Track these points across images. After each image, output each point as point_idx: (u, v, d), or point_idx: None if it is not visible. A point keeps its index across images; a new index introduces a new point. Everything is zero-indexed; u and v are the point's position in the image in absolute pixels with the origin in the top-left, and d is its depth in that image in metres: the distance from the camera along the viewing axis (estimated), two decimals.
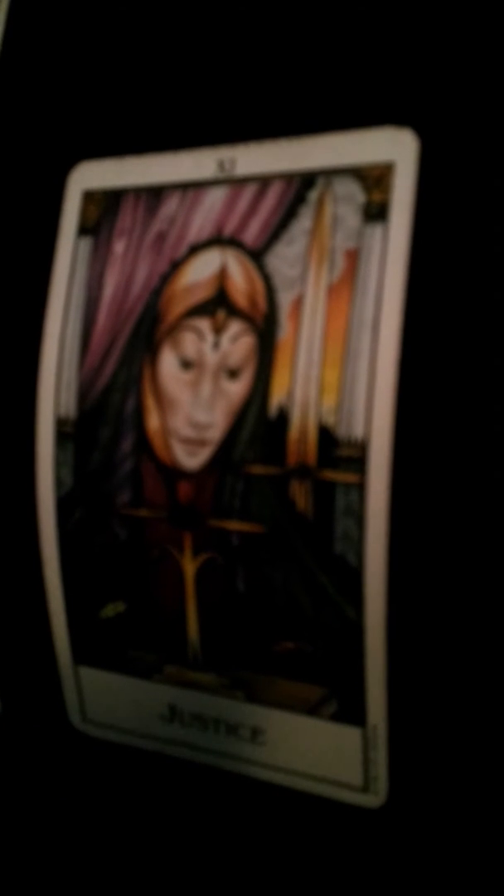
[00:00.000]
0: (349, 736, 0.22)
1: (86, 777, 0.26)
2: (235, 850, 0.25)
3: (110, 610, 0.24)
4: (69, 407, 0.23)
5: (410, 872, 0.22)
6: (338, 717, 0.22)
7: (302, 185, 0.21)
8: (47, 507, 0.24)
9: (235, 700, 0.23)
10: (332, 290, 0.20)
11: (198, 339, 0.22)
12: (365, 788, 0.22)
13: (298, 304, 0.20)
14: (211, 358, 0.22)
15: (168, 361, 0.22)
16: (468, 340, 0.19)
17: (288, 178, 0.21)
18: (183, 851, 0.25)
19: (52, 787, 0.27)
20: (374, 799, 0.22)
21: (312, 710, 0.22)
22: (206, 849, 0.25)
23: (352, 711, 0.21)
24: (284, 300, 0.21)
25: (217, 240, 0.22)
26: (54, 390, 0.24)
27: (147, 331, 0.22)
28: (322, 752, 0.22)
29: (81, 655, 0.25)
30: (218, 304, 0.21)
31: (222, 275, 0.22)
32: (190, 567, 0.22)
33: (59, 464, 0.24)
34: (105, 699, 0.25)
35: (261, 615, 0.22)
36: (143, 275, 0.23)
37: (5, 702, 0.27)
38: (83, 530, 0.24)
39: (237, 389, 0.21)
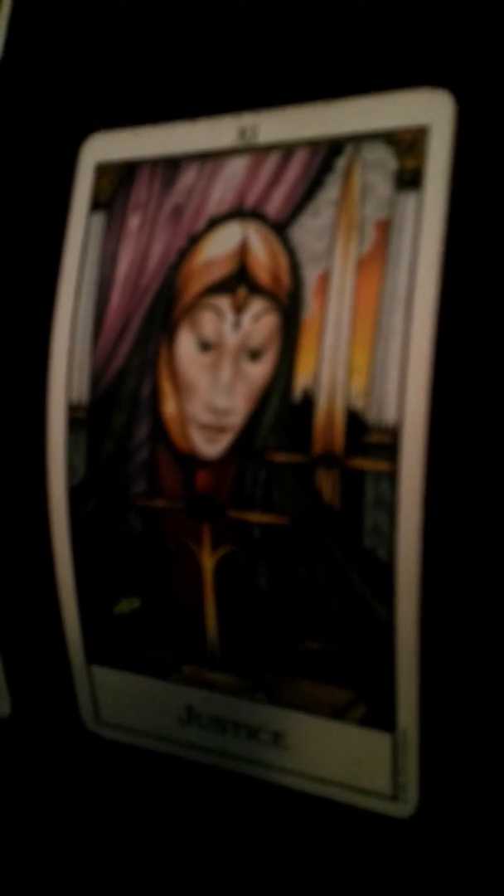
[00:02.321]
0: (378, 741, 0.20)
1: (98, 781, 0.25)
2: (254, 858, 0.24)
3: (125, 606, 0.23)
4: (81, 392, 0.22)
5: (441, 886, 0.21)
6: (366, 722, 0.20)
7: (329, 153, 0.19)
8: (59, 497, 0.23)
9: (256, 702, 0.22)
10: (361, 264, 0.19)
11: (217, 319, 0.20)
12: (394, 797, 0.21)
13: (325, 279, 0.19)
14: (231, 339, 0.20)
15: (186, 343, 0.21)
16: None
17: (314, 145, 0.20)
18: (199, 859, 0.24)
19: (63, 790, 0.26)
20: (404, 808, 0.21)
21: (339, 714, 0.21)
22: (224, 856, 0.24)
23: (381, 716, 0.20)
24: (310, 276, 0.19)
25: (238, 212, 0.20)
26: (66, 374, 0.22)
27: (163, 310, 0.21)
28: (348, 758, 0.21)
29: (94, 654, 0.24)
30: (239, 280, 0.20)
31: (243, 249, 0.20)
32: (209, 561, 0.21)
33: (71, 451, 0.22)
34: (119, 700, 0.24)
35: (284, 613, 0.20)
36: (159, 251, 0.21)
37: (15, 702, 0.26)
38: (96, 521, 0.22)
39: (259, 372, 0.20)
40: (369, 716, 0.20)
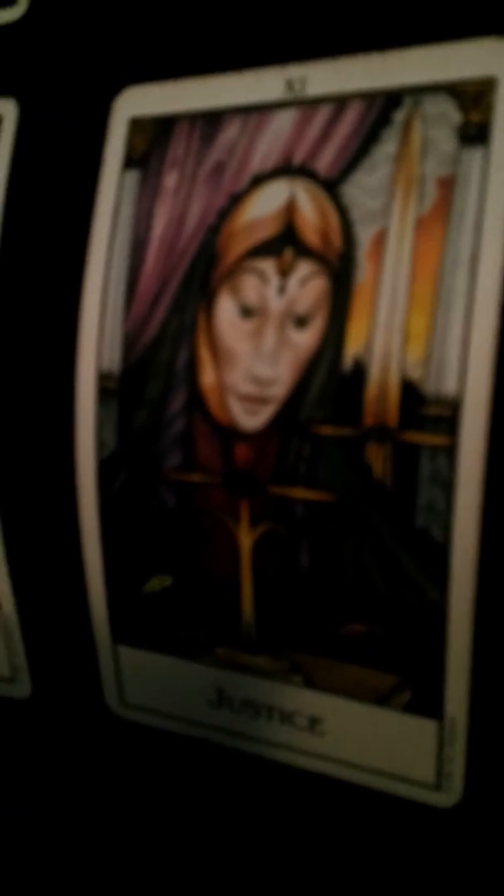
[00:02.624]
0: (423, 729, 0.20)
1: (124, 765, 0.25)
2: (289, 847, 0.23)
3: (156, 584, 0.22)
4: (113, 361, 0.21)
5: (484, 878, 0.21)
6: (411, 708, 0.19)
7: (386, 105, 0.18)
8: (87, 470, 0.22)
9: (293, 685, 0.21)
10: (421, 224, 0.18)
11: (261, 283, 0.19)
12: (437, 786, 0.20)
13: (380, 240, 0.18)
14: (276, 304, 0.19)
15: (226, 308, 0.20)
16: None
17: (369, 97, 0.18)
18: (228, 846, 0.24)
19: (87, 775, 0.25)
20: (447, 798, 0.20)
21: (382, 700, 0.20)
22: (254, 844, 0.23)
23: (428, 703, 0.19)
24: (364, 236, 0.18)
25: (285, 169, 0.19)
26: (96, 342, 0.21)
27: (202, 274, 0.20)
28: (390, 746, 0.20)
29: (121, 634, 0.23)
30: (285, 242, 0.19)
31: (290, 208, 0.19)
32: (246, 539, 0.20)
33: (101, 423, 0.21)
34: (145, 681, 0.23)
35: (326, 593, 0.20)
36: (198, 210, 0.20)
37: (37, 683, 0.25)
38: (127, 496, 0.21)
39: (306, 340, 0.19)
40: (415, 702, 0.19)
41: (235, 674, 0.22)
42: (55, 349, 0.22)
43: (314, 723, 0.21)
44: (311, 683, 0.21)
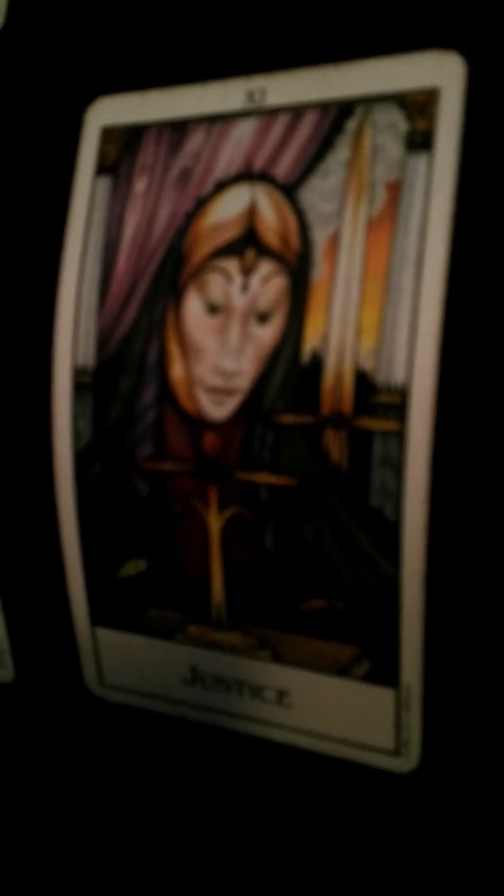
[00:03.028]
0: (381, 697, 0.21)
1: (104, 743, 0.26)
2: (260, 816, 0.24)
3: (130, 568, 0.23)
4: (87, 356, 0.22)
5: (443, 840, 0.22)
6: (370, 678, 0.21)
7: (339, 114, 0.19)
8: (64, 461, 0.23)
9: (261, 661, 0.22)
10: (371, 225, 0.19)
11: (225, 282, 0.20)
12: (396, 752, 0.21)
13: (335, 240, 0.19)
14: (239, 301, 0.20)
15: (193, 306, 0.21)
16: None
17: (323, 107, 0.20)
18: (205, 818, 0.25)
19: (68, 754, 0.26)
20: (406, 763, 0.21)
21: (343, 671, 0.21)
22: (230, 814, 0.24)
23: (385, 672, 0.20)
24: (319, 237, 0.19)
25: (246, 175, 0.20)
26: (72, 338, 0.22)
27: (171, 273, 0.21)
28: (352, 715, 0.21)
29: (99, 616, 0.24)
30: (247, 243, 0.20)
31: (251, 212, 0.20)
32: (215, 522, 0.21)
33: (76, 416, 0.23)
34: (124, 662, 0.24)
35: (290, 572, 0.21)
36: (166, 214, 0.21)
37: (19, 666, 0.26)
38: (102, 485, 0.23)
39: (267, 334, 0.20)
40: (373, 672, 0.21)
41: (207, 651, 0.23)
42: (32, 346, 0.23)
43: (282, 696, 0.22)
44: (278, 658, 0.22)
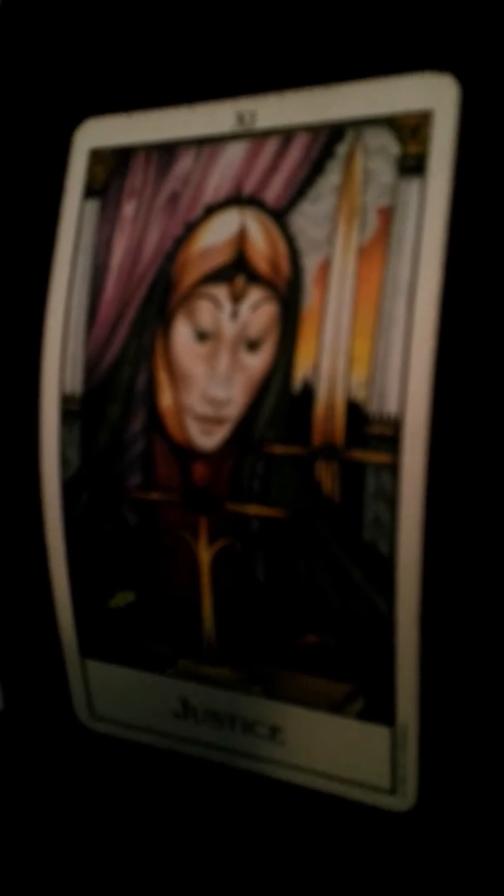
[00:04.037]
0: (377, 735, 0.20)
1: (93, 775, 0.25)
2: (251, 853, 0.23)
3: (120, 600, 0.22)
4: (75, 383, 0.22)
5: (439, 880, 0.21)
6: (365, 716, 0.20)
7: (330, 138, 0.19)
8: (52, 490, 0.22)
9: (253, 696, 0.22)
10: (363, 252, 0.18)
11: (214, 309, 0.20)
12: (392, 790, 0.21)
13: (325, 267, 0.19)
14: (229, 328, 0.20)
15: (182, 333, 0.20)
16: None
17: (314, 130, 0.19)
18: (195, 854, 0.24)
19: (58, 786, 0.26)
20: (403, 802, 0.21)
21: (337, 708, 0.20)
22: (220, 851, 0.24)
23: (380, 710, 0.20)
24: (310, 264, 0.19)
25: (236, 199, 0.20)
26: (59, 365, 0.22)
27: (159, 300, 0.21)
28: (347, 752, 0.21)
29: (89, 648, 0.23)
30: (236, 269, 0.20)
31: (241, 237, 0.20)
32: (205, 554, 0.21)
33: (64, 444, 0.22)
34: (114, 694, 0.24)
35: (282, 606, 0.20)
36: (154, 239, 0.21)
37: (9, 697, 0.26)
38: (90, 515, 0.22)
39: (257, 363, 0.20)
40: (368, 710, 0.20)
41: (198, 685, 0.22)
42: (19, 373, 0.23)
43: (275, 732, 0.22)
44: (270, 693, 0.21)
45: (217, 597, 0.21)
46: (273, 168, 0.20)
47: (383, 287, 0.18)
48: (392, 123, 0.18)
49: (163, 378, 0.21)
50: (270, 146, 0.20)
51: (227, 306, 0.20)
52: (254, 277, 0.20)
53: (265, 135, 0.20)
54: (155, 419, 0.21)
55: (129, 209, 0.21)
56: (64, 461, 0.22)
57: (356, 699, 0.20)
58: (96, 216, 0.22)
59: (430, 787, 0.20)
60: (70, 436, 0.22)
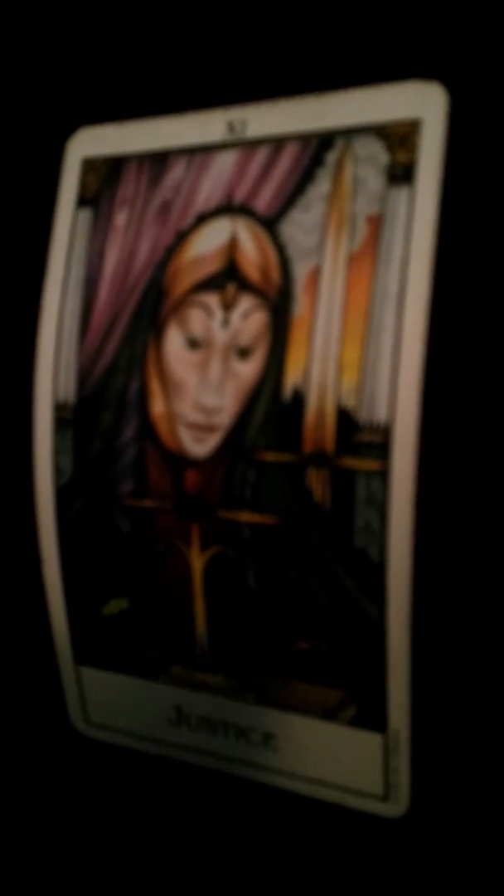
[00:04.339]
0: (369, 742, 0.20)
1: (88, 782, 0.25)
2: (245, 859, 0.23)
3: (113, 607, 0.22)
4: (68, 391, 0.22)
5: (432, 886, 0.21)
6: (357, 722, 0.20)
7: (319, 146, 0.19)
8: (46, 497, 0.22)
9: (246, 703, 0.22)
10: (352, 260, 0.18)
11: (206, 316, 0.20)
12: (385, 797, 0.21)
13: (315, 275, 0.19)
14: (220, 336, 0.20)
15: (174, 341, 0.21)
16: (502, 314, 0.17)
17: (304, 138, 0.19)
18: (190, 860, 0.24)
19: (53, 792, 0.26)
20: (395, 808, 0.21)
21: (329, 715, 0.20)
22: (214, 857, 0.24)
23: (372, 716, 0.20)
24: (300, 272, 0.19)
25: (227, 208, 0.20)
26: (52, 373, 0.22)
27: (151, 308, 0.21)
28: (340, 759, 0.21)
29: (83, 655, 0.23)
30: (227, 277, 0.20)
31: (232, 245, 0.20)
32: (198, 561, 0.21)
33: (57, 451, 0.22)
34: (108, 701, 0.24)
35: (274, 613, 0.20)
36: (146, 247, 0.21)
37: (3, 704, 0.26)
38: (84, 522, 0.22)
39: (248, 370, 0.20)
40: (360, 716, 0.20)
41: (192, 692, 0.22)
42: (12, 381, 0.23)
43: (268, 738, 0.22)
44: (263, 700, 0.21)
45: (209, 603, 0.21)
46: (264, 176, 0.20)
47: (373, 294, 0.18)
48: (381, 132, 0.18)
49: (155, 386, 0.21)
50: (261, 155, 0.20)
51: (219, 314, 0.20)
52: (245, 285, 0.20)
53: (256, 143, 0.20)
54: (147, 427, 0.21)
55: (121, 218, 0.22)
56: (57, 469, 0.22)
57: (348, 706, 0.20)
58: (89, 225, 0.22)
59: (423, 794, 0.20)
60: (63, 443, 0.22)
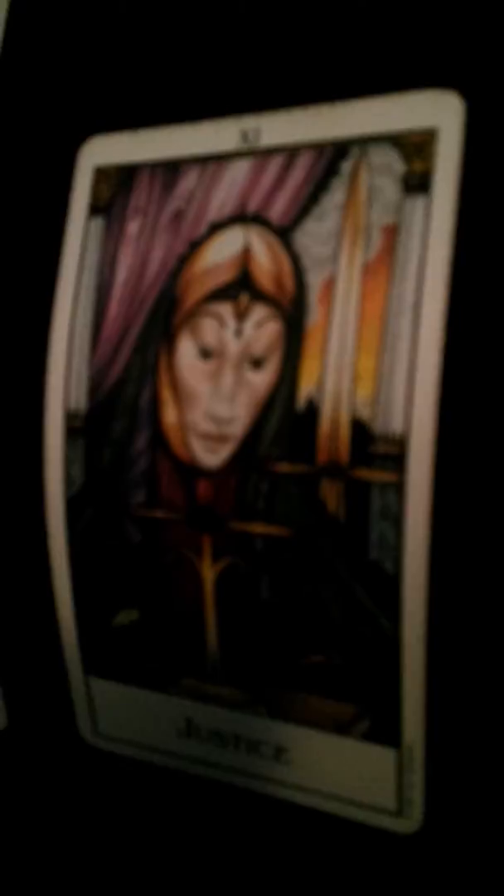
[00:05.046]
0: (382, 756, 0.20)
1: (97, 794, 0.25)
2: (255, 874, 0.23)
3: (123, 618, 0.22)
4: (79, 400, 0.22)
5: None
6: (370, 737, 0.20)
7: (334, 156, 0.19)
8: (56, 507, 0.22)
9: (257, 716, 0.21)
10: (367, 270, 0.18)
11: (219, 326, 0.20)
12: (399, 812, 0.20)
13: (330, 285, 0.19)
14: (233, 346, 0.20)
15: (186, 350, 0.20)
16: None
17: (318, 147, 0.19)
18: (199, 873, 0.24)
19: (61, 804, 0.26)
20: (409, 824, 0.20)
21: (342, 729, 0.20)
22: (224, 870, 0.24)
23: (386, 731, 0.20)
24: (314, 281, 0.19)
25: (240, 217, 0.20)
26: (63, 382, 0.22)
27: (164, 317, 0.21)
28: (352, 773, 0.21)
29: (93, 666, 0.23)
30: (241, 287, 0.20)
31: (245, 255, 0.20)
32: (209, 573, 0.21)
33: (68, 461, 0.22)
34: (118, 712, 0.24)
35: (286, 626, 0.20)
36: (159, 257, 0.21)
37: (12, 715, 0.25)
38: (94, 532, 0.22)
39: (262, 380, 0.19)
40: (374, 731, 0.20)
41: (202, 704, 0.22)
42: (24, 390, 0.23)
43: (279, 752, 0.22)
44: (275, 714, 0.21)
45: (221, 616, 0.21)
46: (277, 186, 0.20)
47: (388, 304, 0.18)
48: (397, 141, 0.18)
49: (167, 395, 0.21)
50: (275, 164, 0.20)
51: (232, 324, 0.20)
52: (258, 295, 0.20)
53: (269, 152, 0.20)
54: (159, 437, 0.21)
55: (133, 227, 0.21)
56: (68, 478, 0.22)
57: (362, 720, 0.20)
58: (101, 234, 0.22)
59: (437, 810, 0.20)
60: (74, 452, 0.22)
